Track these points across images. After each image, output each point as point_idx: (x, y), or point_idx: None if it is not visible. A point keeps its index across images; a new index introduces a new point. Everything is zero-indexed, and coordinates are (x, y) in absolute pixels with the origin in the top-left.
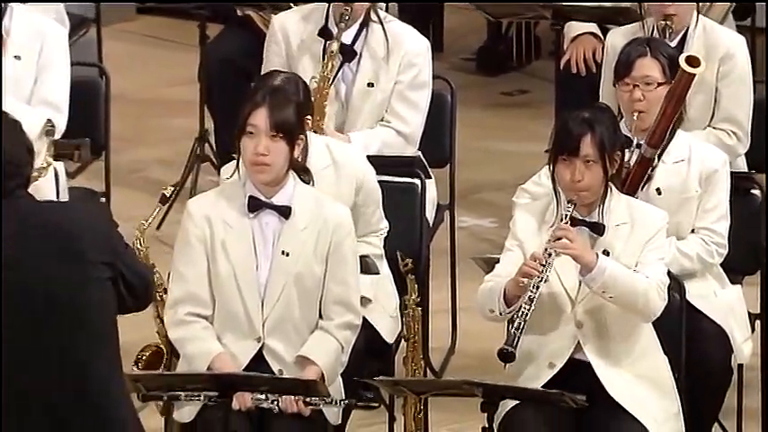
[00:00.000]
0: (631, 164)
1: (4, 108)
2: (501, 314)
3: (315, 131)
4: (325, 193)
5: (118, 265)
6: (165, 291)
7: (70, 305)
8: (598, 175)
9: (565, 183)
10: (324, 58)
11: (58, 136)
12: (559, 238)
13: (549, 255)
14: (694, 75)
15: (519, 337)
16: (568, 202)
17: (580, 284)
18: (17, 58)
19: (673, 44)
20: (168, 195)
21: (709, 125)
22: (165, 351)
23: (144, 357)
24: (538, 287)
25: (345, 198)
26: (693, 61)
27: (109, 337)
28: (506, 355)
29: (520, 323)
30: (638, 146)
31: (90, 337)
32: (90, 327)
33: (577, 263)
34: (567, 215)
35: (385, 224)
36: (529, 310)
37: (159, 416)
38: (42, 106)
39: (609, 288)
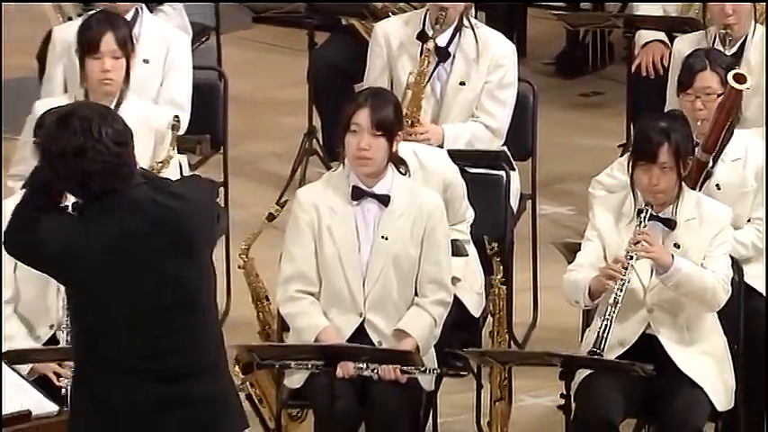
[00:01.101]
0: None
1: (136, 106)
2: (585, 306)
3: (412, 122)
4: None
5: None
6: (267, 298)
7: (184, 290)
8: (673, 179)
9: (642, 186)
10: (422, 58)
11: (181, 132)
12: (638, 242)
13: (631, 258)
14: (741, 90)
15: (606, 339)
16: (645, 204)
17: (651, 273)
18: (146, 61)
19: (732, 50)
20: (275, 214)
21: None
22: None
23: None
24: (621, 289)
25: None
26: (741, 78)
27: (215, 315)
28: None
29: (606, 324)
30: (698, 145)
31: (201, 317)
32: (202, 308)
33: (656, 263)
34: (644, 218)
35: (471, 213)
36: (614, 311)
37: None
38: (168, 105)
39: (682, 285)
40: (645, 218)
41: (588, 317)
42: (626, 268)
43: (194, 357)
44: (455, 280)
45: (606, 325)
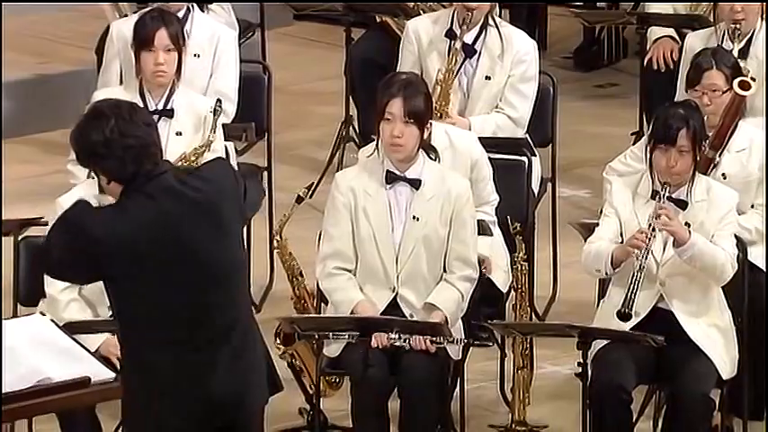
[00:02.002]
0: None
1: (185, 96)
2: (606, 274)
3: (441, 115)
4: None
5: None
6: (302, 274)
7: (217, 266)
8: (689, 161)
9: (660, 167)
10: (449, 55)
11: (227, 120)
12: (659, 216)
13: (653, 230)
14: (745, 96)
15: (633, 300)
16: (663, 184)
17: (664, 250)
18: (196, 56)
19: (741, 45)
20: (303, 196)
21: None
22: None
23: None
24: (646, 257)
25: (461, 174)
26: (745, 85)
27: (245, 291)
28: (624, 316)
29: (634, 287)
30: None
31: (233, 291)
32: (235, 283)
33: (674, 237)
34: (664, 195)
35: (495, 196)
36: (640, 276)
37: None
38: (216, 96)
39: (696, 259)
40: (664, 195)
41: (603, 291)
42: (649, 238)
43: (226, 329)
44: (483, 258)
45: (634, 288)
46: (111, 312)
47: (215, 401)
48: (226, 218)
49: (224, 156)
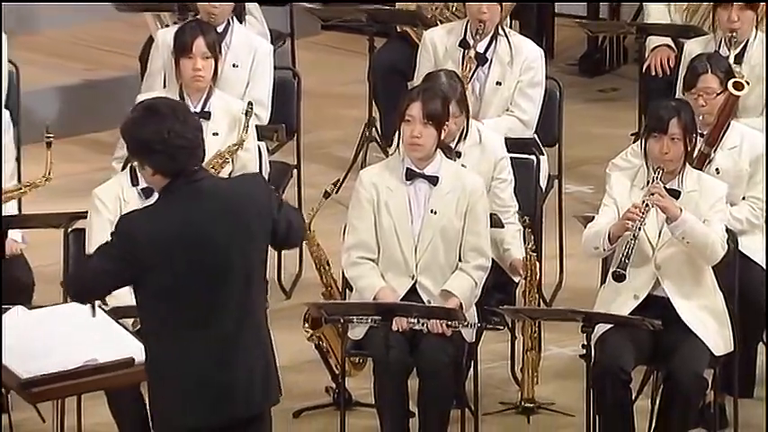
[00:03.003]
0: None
1: (221, 99)
2: (604, 250)
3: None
4: (471, 165)
5: (274, 225)
6: (328, 264)
7: (244, 270)
8: (680, 149)
9: (654, 154)
10: (463, 63)
11: (262, 123)
12: (653, 194)
13: (647, 205)
14: (739, 96)
15: (627, 263)
16: (656, 169)
17: (659, 235)
18: (235, 65)
19: (736, 51)
20: (329, 192)
21: (762, 114)
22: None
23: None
24: (639, 228)
25: (485, 170)
26: (739, 86)
27: (263, 293)
28: (619, 276)
29: (627, 252)
30: (702, 135)
31: (255, 291)
32: (256, 284)
33: (666, 214)
34: (657, 177)
35: (515, 203)
36: (634, 243)
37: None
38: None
39: (687, 235)
40: (657, 176)
41: (604, 279)
42: (643, 212)
43: (243, 324)
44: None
45: (627, 252)
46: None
47: (232, 391)
48: (253, 225)
49: (257, 153)
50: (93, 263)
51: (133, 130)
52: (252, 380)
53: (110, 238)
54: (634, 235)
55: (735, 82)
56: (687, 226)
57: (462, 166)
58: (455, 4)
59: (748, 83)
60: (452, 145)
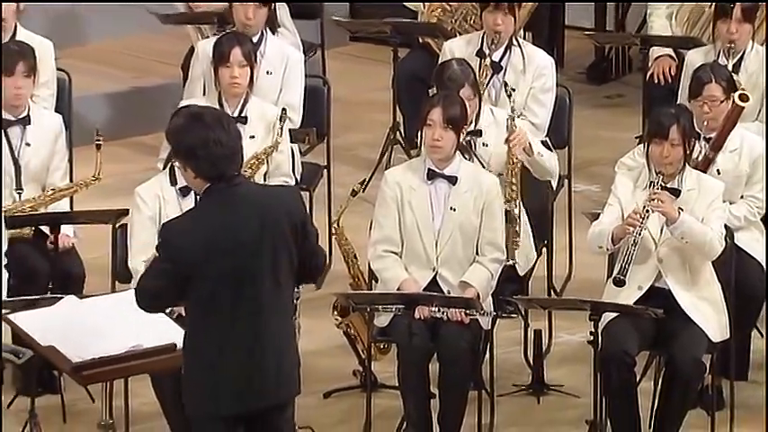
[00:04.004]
0: (698, 153)
1: (257, 104)
2: (607, 250)
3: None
4: (491, 141)
5: (304, 243)
6: (356, 257)
7: (273, 270)
8: (680, 153)
9: (655, 158)
10: (479, 71)
11: (295, 127)
12: (654, 199)
13: (647, 211)
14: (743, 107)
15: (628, 269)
16: (657, 173)
17: (661, 231)
18: (269, 73)
19: (734, 61)
20: (357, 191)
21: (756, 119)
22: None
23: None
24: (640, 233)
25: (501, 146)
26: (744, 98)
27: (291, 292)
28: (619, 282)
29: (627, 258)
30: (706, 139)
31: (283, 291)
32: (283, 287)
33: (665, 217)
34: (658, 182)
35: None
36: (634, 249)
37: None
38: (284, 107)
39: (686, 235)
40: (658, 182)
41: (610, 272)
42: (643, 218)
43: (272, 320)
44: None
45: (628, 259)
46: None
47: (259, 382)
48: (284, 231)
49: (290, 155)
50: (150, 282)
51: (179, 136)
52: (278, 372)
53: (157, 253)
54: (635, 241)
55: (740, 94)
56: (685, 227)
57: (484, 145)
58: (473, 16)
59: (749, 96)
60: (472, 127)
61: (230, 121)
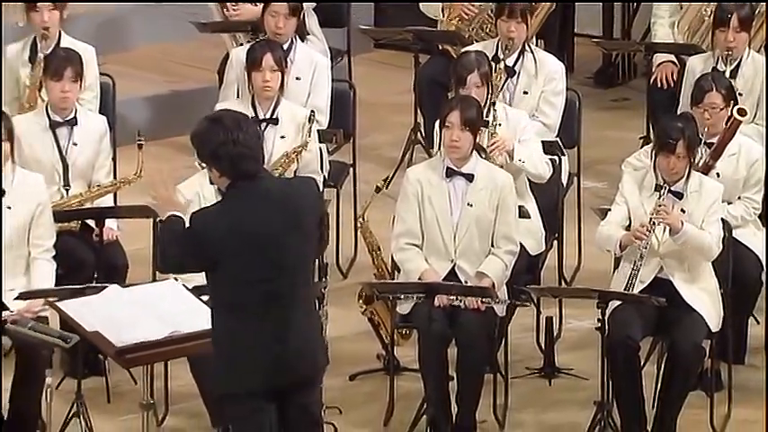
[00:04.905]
0: (699, 157)
1: (287, 107)
2: (615, 254)
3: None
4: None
5: (321, 230)
6: (380, 249)
7: (295, 259)
8: (686, 164)
9: (662, 168)
10: (495, 74)
11: (322, 128)
12: (659, 212)
13: (653, 224)
14: (741, 121)
15: (634, 283)
16: (664, 182)
17: (664, 232)
18: (298, 78)
19: (731, 67)
20: (381, 187)
21: (752, 121)
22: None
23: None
24: (646, 247)
25: (512, 137)
26: (742, 112)
27: (312, 279)
28: None
29: (635, 273)
30: (707, 144)
31: (305, 281)
32: (305, 275)
33: (670, 228)
34: (664, 193)
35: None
36: (640, 263)
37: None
38: (311, 109)
39: (687, 243)
40: (663, 194)
41: (616, 264)
42: (649, 231)
43: (294, 303)
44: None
45: (635, 273)
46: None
47: (286, 359)
48: (305, 221)
49: (318, 154)
50: (173, 250)
51: (201, 140)
52: (301, 354)
53: (186, 228)
54: (641, 255)
55: (739, 108)
56: (688, 236)
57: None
58: (489, 25)
59: (745, 112)
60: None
61: (249, 122)
